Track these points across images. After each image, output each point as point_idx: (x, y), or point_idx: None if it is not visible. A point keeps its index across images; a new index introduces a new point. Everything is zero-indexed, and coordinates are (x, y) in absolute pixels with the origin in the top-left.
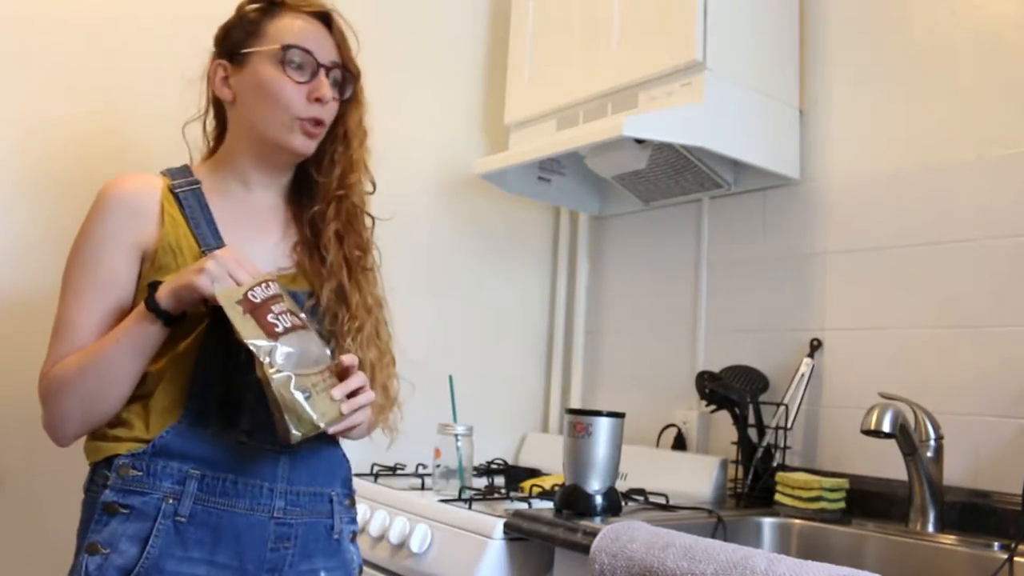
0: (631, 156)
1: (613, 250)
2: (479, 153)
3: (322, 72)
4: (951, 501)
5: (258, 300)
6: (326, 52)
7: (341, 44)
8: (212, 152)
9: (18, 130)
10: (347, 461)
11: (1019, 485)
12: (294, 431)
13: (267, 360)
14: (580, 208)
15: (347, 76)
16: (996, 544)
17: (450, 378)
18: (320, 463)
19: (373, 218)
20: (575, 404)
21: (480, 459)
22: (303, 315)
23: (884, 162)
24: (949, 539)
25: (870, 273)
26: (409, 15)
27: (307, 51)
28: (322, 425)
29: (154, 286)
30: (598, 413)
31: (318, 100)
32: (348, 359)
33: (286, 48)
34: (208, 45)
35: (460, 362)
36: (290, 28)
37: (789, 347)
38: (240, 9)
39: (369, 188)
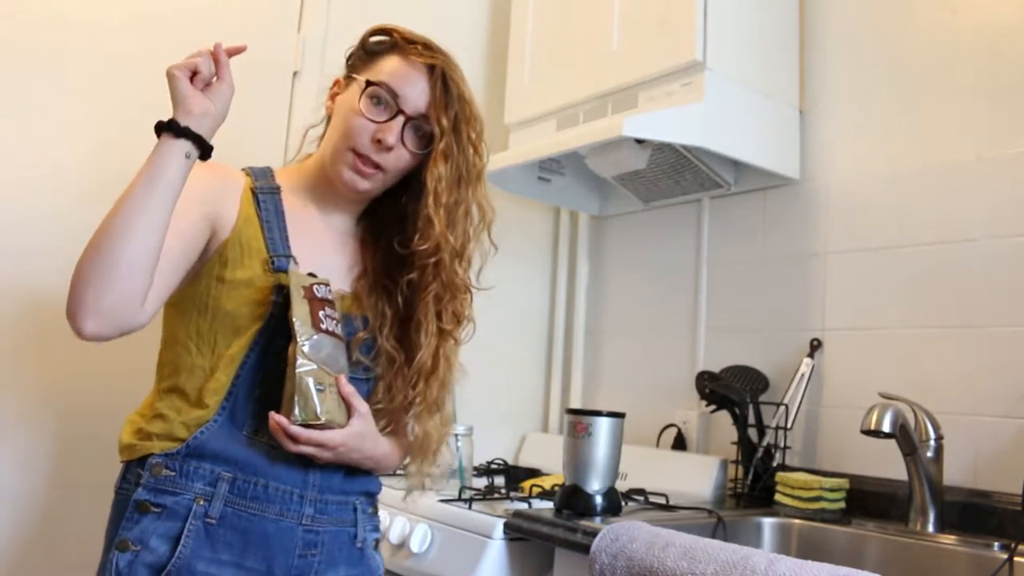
0: (631, 156)
1: (613, 250)
2: None
3: (399, 118)
4: (951, 501)
5: (318, 296)
6: (415, 101)
7: (438, 99)
8: (306, 157)
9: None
10: (379, 480)
11: (1019, 485)
12: (297, 413)
13: (303, 343)
14: (580, 208)
15: (431, 130)
16: (996, 544)
17: None
18: (353, 476)
19: (470, 289)
20: (575, 404)
21: (480, 459)
22: (341, 331)
23: (884, 162)
24: (949, 539)
25: (870, 273)
26: (408, 15)
27: (392, 93)
28: (323, 419)
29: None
30: (598, 413)
31: (379, 142)
32: (348, 387)
33: (369, 84)
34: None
35: (460, 362)
36: (388, 68)
37: (789, 347)
38: (364, 36)
39: (475, 262)
